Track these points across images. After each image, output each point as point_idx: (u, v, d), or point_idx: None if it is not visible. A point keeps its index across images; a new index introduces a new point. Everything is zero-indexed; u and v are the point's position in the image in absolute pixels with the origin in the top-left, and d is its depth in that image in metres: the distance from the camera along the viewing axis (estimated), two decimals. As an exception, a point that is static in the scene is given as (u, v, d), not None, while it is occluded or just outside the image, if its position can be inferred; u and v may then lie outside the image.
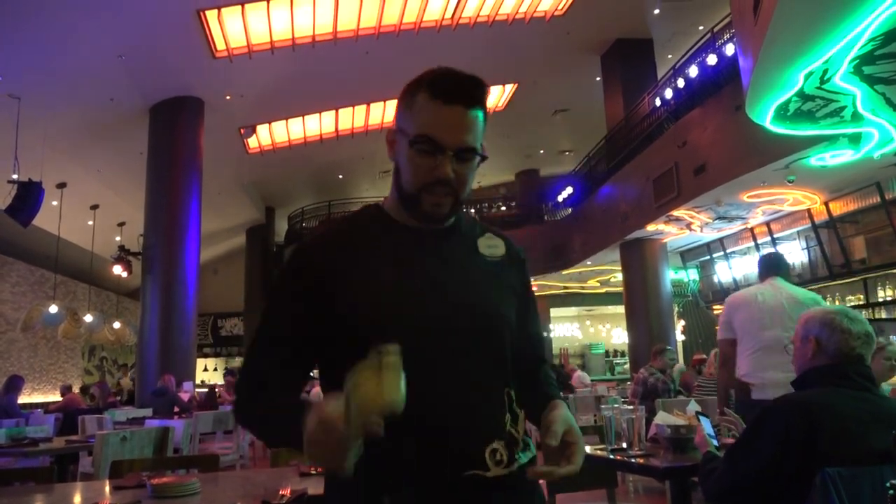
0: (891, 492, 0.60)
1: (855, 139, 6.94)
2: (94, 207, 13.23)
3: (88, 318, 12.82)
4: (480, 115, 1.09)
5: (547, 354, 1.31)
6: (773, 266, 3.70)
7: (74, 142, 11.22)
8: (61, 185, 11.72)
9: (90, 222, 13.58)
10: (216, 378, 17.66)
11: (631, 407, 2.85)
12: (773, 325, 3.42)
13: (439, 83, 1.07)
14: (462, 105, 1.07)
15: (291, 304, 1.11)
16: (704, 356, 7.38)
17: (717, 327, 13.16)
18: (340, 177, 17.50)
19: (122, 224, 13.87)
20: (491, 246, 1.20)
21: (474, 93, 1.08)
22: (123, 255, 11.84)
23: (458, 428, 1.04)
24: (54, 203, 11.74)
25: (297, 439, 0.92)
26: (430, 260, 1.13)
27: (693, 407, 2.89)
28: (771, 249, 10.95)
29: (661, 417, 2.70)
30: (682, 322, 15.42)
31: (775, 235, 10.85)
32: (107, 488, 2.41)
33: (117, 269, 11.83)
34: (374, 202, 1.23)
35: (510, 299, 1.18)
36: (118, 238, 13.47)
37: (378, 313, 1.05)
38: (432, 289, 1.09)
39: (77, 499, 2.34)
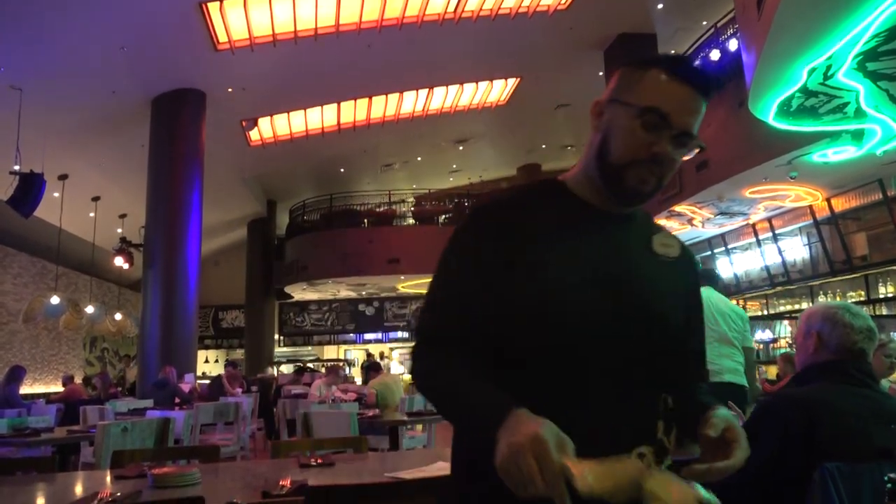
0: (889, 486, 0.61)
1: (858, 136, 6.92)
2: (96, 199, 13.22)
3: (90, 309, 12.84)
4: (704, 107, 1.09)
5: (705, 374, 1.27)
6: (706, 278, 4.46)
7: (76, 133, 11.21)
8: (63, 177, 11.72)
9: (91, 214, 13.57)
10: (217, 370, 17.68)
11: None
12: (720, 320, 4.20)
13: (679, 63, 1.07)
14: (697, 90, 1.06)
15: (478, 262, 1.06)
16: (705, 352, 7.36)
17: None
18: (342, 170, 17.47)
19: (123, 216, 13.87)
20: (666, 245, 1.15)
21: (709, 82, 1.10)
22: (125, 247, 11.85)
23: (607, 430, 1.00)
24: (56, 195, 11.74)
25: (482, 429, 0.90)
26: (607, 245, 1.09)
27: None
28: (772, 246, 10.96)
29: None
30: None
31: (777, 231, 10.84)
32: (108, 478, 2.43)
33: (119, 261, 11.85)
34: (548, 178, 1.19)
35: (680, 305, 1.13)
36: (119, 230, 13.47)
37: (548, 295, 1.02)
38: (607, 279, 1.05)
39: (79, 488, 2.35)
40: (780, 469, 1.79)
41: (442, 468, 1.99)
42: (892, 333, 8.12)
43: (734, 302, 4.92)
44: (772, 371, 8.46)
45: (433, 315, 1.09)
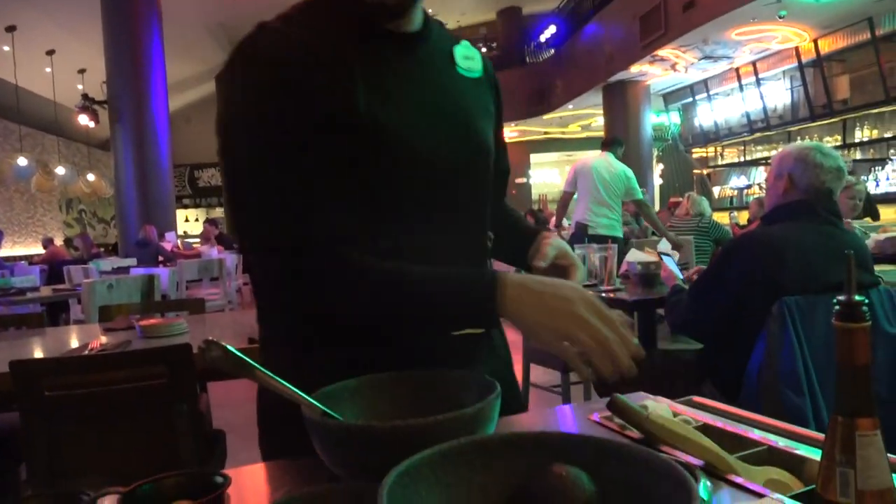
0: (836, 307, 0.63)
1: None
2: (51, 53, 12.46)
3: (60, 170, 12.55)
4: None
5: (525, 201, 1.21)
6: (611, 143, 5.33)
7: (19, -21, 10.31)
8: (11, 29, 10.94)
9: (48, 69, 12.85)
10: (198, 229, 17.74)
11: (604, 245, 2.93)
12: (600, 187, 5.05)
13: None
14: None
15: (273, 115, 0.84)
16: (680, 199, 7.51)
17: (693, 171, 13.25)
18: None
19: (82, 71, 13.15)
20: (468, 58, 1.01)
21: None
22: (88, 105, 11.35)
23: (439, 255, 0.92)
24: (6, 48, 11.03)
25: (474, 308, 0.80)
26: (410, 66, 0.93)
27: (663, 245, 2.99)
28: (754, 90, 10.79)
29: (633, 255, 2.80)
30: (661, 166, 15.51)
31: (760, 76, 10.64)
32: (98, 331, 2.50)
33: (83, 119, 11.39)
34: None
35: (490, 126, 1.02)
36: (80, 86, 12.84)
37: (356, 123, 0.85)
38: (420, 105, 0.92)
39: (69, 341, 2.42)
40: (744, 302, 1.89)
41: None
42: (861, 177, 8.27)
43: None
44: (743, 217, 8.69)
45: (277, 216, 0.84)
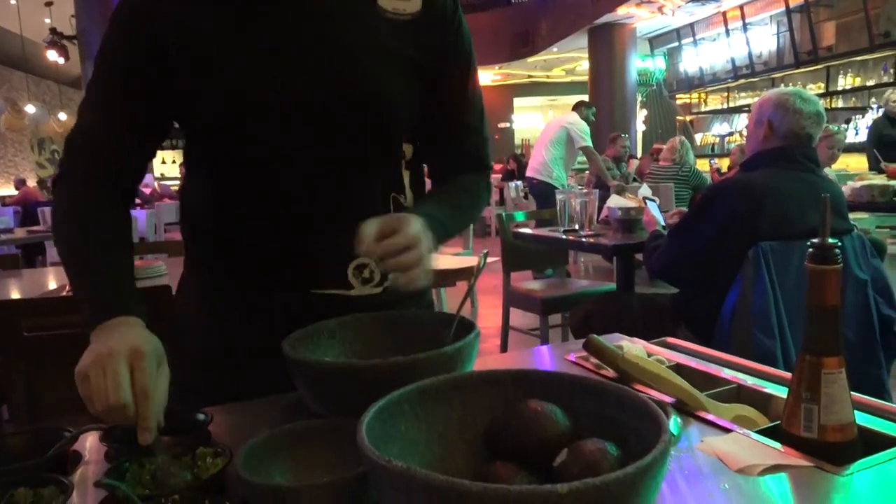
0: (810, 249, 0.64)
1: None
2: (14, -16, 11.89)
3: (31, 108, 12.16)
4: None
5: (489, 160, 1.05)
6: (577, 107, 5.69)
7: None
8: (-30, -43, 10.39)
9: (13, 1, 12.29)
10: (175, 171, 17.44)
11: (585, 191, 2.94)
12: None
13: None
14: None
15: (122, 52, 0.87)
16: (663, 145, 7.50)
17: (677, 117, 13.17)
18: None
19: (49, 3, 12.60)
20: None
21: None
22: (56, 40, 10.92)
23: (315, 234, 0.90)
24: (-34, -22, 10.50)
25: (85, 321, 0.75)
26: (285, 8, 0.86)
27: (644, 191, 3.00)
28: (740, 35, 10.68)
29: (614, 201, 2.81)
30: (644, 112, 15.42)
31: (747, 20, 10.51)
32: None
33: (52, 55, 10.99)
34: None
35: (406, 74, 0.91)
36: (48, 20, 12.32)
37: (208, 74, 0.84)
38: (277, 50, 0.85)
39: (50, 283, 2.40)
40: (721, 247, 1.92)
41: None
42: (841, 125, 8.30)
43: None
44: (724, 164, 8.72)
45: (76, 140, 0.90)
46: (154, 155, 0.95)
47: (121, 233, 0.89)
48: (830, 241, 0.66)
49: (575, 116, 5.56)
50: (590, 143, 5.54)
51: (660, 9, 10.60)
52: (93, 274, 0.80)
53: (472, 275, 2.23)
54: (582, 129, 5.47)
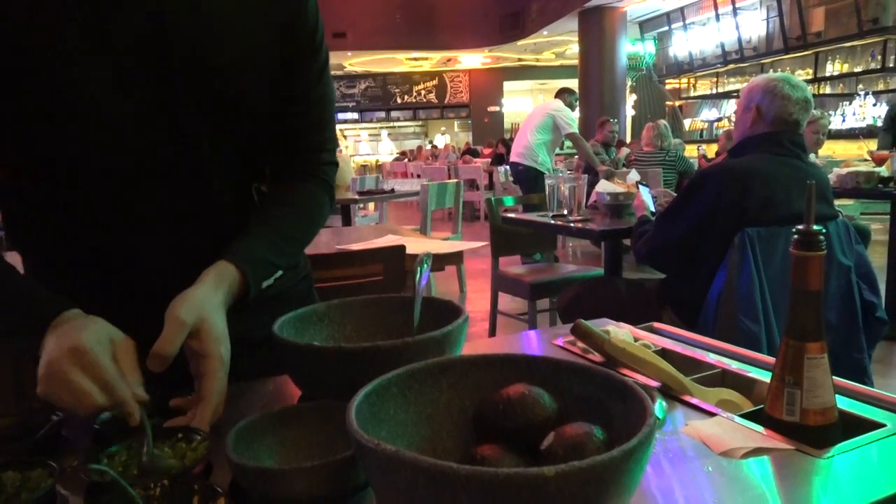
0: (795, 236, 0.65)
1: None
2: None
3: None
4: None
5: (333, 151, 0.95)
6: (560, 93, 5.62)
7: None
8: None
9: None
10: None
11: (573, 175, 2.94)
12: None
13: None
14: None
15: None
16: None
17: (666, 102, 13.15)
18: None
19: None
20: None
21: None
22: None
23: (153, 250, 0.83)
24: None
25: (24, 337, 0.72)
26: None
27: (634, 176, 3.01)
28: (730, 20, 10.67)
29: (603, 186, 2.81)
30: (634, 96, 15.42)
31: (737, 4, 10.51)
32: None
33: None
34: None
35: (255, 53, 0.84)
36: None
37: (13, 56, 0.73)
38: (98, 18, 0.75)
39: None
40: (707, 231, 1.93)
41: (390, 240, 2.07)
42: (829, 112, 8.35)
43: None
44: (711, 149, 8.75)
45: None
46: None
47: None
48: (815, 227, 0.66)
49: (559, 103, 5.56)
50: (576, 130, 5.55)
51: (650, -8, 10.58)
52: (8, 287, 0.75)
53: (460, 261, 2.23)
54: (568, 116, 5.48)
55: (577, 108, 5.82)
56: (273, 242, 0.84)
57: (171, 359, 0.67)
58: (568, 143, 6.15)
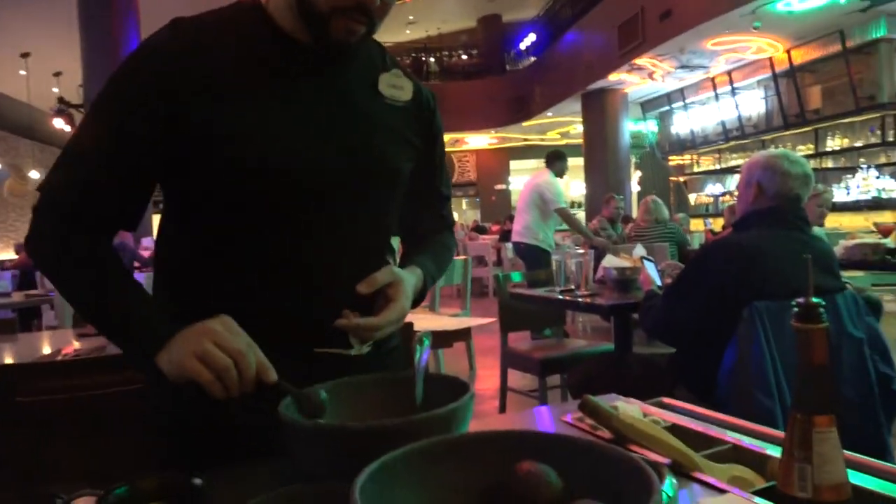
0: (795, 309, 0.65)
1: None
2: (26, 55, 12.28)
3: (34, 174, 12.37)
4: None
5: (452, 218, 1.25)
6: (549, 159, 5.59)
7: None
8: (-17, 30, 10.77)
9: (23, 72, 12.66)
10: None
11: (581, 251, 2.97)
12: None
13: None
14: None
15: (130, 106, 0.89)
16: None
17: (670, 178, 13.36)
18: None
19: (58, 74, 12.97)
20: (395, 86, 1.02)
21: None
22: (63, 108, 11.19)
23: (321, 298, 0.93)
24: (-21, 50, 10.85)
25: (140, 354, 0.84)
26: (313, 87, 0.94)
27: (639, 251, 3.03)
28: (729, 99, 10.97)
29: (609, 261, 2.83)
30: (639, 173, 15.68)
31: (735, 85, 10.82)
32: (71, 336, 2.47)
33: (59, 123, 11.24)
34: None
35: (407, 153, 1.03)
36: (56, 89, 12.66)
37: (239, 143, 0.88)
38: (307, 124, 0.93)
39: (45, 347, 2.39)
40: (716, 307, 1.92)
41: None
42: (831, 185, 8.43)
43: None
44: (717, 223, 8.82)
45: (63, 170, 0.93)
46: (138, 213, 0.98)
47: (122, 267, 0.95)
48: (814, 300, 0.67)
49: (547, 176, 5.39)
50: (563, 204, 5.37)
51: (650, 75, 10.94)
52: (135, 304, 0.88)
53: (469, 337, 2.23)
54: (554, 191, 5.29)
55: (567, 174, 5.72)
56: (432, 265, 1.08)
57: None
58: None
